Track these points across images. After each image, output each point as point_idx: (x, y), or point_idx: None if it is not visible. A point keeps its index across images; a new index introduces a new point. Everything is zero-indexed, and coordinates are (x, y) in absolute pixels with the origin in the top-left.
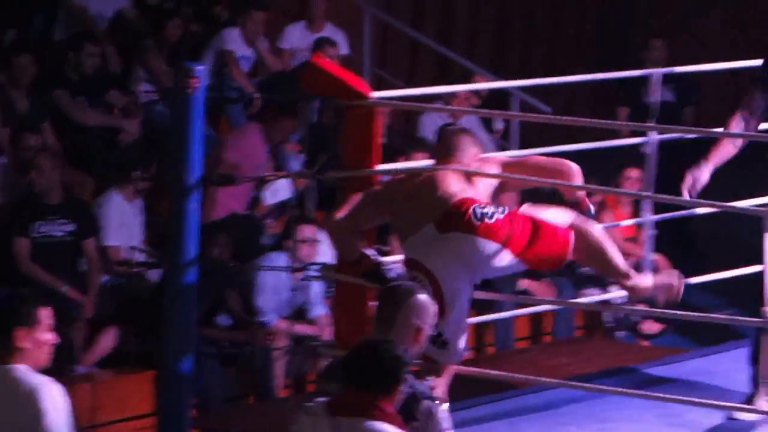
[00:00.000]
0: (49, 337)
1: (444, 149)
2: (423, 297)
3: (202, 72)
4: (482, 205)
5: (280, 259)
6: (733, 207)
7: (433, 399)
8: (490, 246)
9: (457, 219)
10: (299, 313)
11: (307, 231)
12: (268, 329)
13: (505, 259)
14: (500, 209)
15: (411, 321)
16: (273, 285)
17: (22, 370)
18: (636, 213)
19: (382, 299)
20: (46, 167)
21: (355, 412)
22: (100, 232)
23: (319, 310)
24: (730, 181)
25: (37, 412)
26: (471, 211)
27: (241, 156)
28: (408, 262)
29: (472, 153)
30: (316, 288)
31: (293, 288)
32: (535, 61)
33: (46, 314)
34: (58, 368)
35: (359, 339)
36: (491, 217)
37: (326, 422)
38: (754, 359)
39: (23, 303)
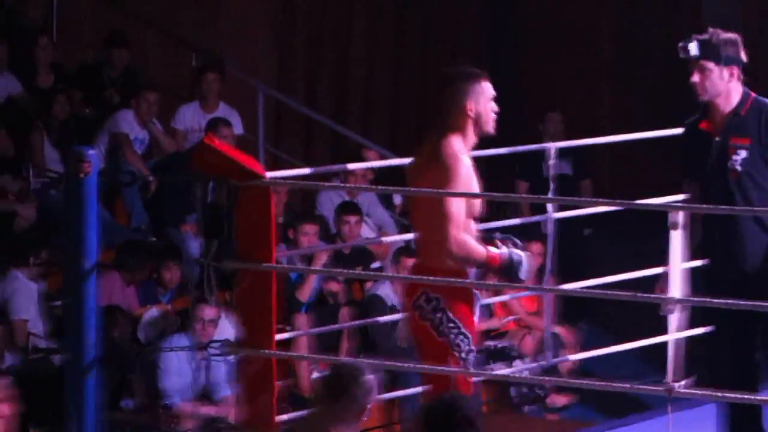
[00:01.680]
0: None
1: None
2: (371, 379)
3: (94, 156)
4: None
5: (182, 340)
6: (638, 204)
7: None
8: None
9: None
10: (204, 395)
11: (207, 311)
12: (172, 412)
13: None
14: None
15: (358, 401)
16: (177, 367)
17: None
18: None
19: (330, 379)
20: None
21: None
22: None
23: (225, 391)
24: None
25: None
26: None
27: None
28: None
29: None
30: (222, 369)
31: (196, 368)
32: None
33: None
34: None
35: (430, 400)
36: None
37: None
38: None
39: None
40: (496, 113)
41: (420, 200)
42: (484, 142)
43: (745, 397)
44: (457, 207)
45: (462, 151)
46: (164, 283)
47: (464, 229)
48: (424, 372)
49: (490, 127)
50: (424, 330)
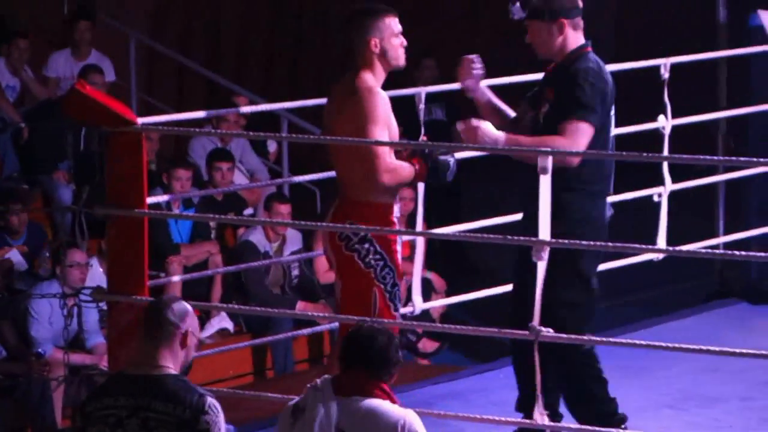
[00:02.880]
0: None
1: None
2: (183, 304)
3: None
4: None
5: (52, 286)
6: (508, 150)
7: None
8: None
9: None
10: (76, 343)
11: (77, 255)
12: (43, 360)
13: None
14: None
15: (177, 328)
16: (47, 314)
17: None
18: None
19: (147, 312)
20: None
21: (358, 392)
22: None
23: (96, 339)
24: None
25: None
26: None
27: None
28: None
29: None
30: (93, 316)
31: (68, 315)
32: (304, 84)
33: None
34: None
35: (354, 327)
36: None
37: (331, 399)
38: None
39: None
40: (405, 47)
41: (339, 137)
42: None
43: (620, 341)
44: (381, 136)
45: (374, 85)
46: (12, 228)
47: (389, 154)
48: (345, 301)
49: (399, 61)
50: (349, 260)
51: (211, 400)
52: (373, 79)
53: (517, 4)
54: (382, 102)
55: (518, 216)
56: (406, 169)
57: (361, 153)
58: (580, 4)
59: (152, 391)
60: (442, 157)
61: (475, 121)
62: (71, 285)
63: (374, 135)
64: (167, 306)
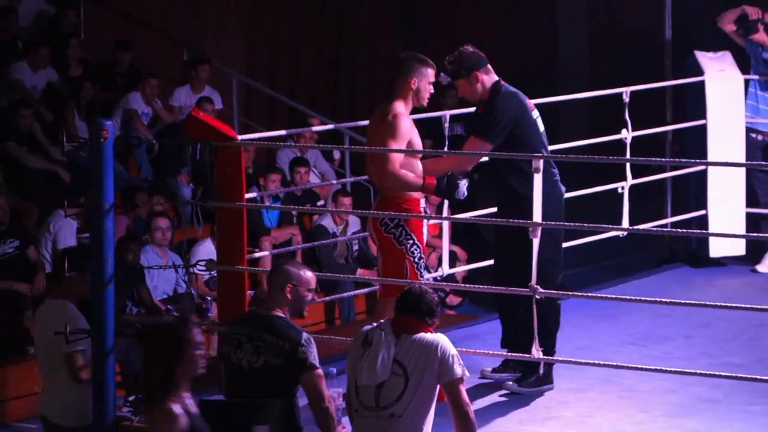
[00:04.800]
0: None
1: None
2: (295, 267)
3: (111, 126)
4: None
5: (146, 251)
6: (505, 155)
7: None
8: None
9: None
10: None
11: (160, 222)
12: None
13: None
14: None
15: (287, 284)
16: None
17: None
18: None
19: (270, 271)
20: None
21: (409, 331)
22: (37, 242)
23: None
24: None
25: None
26: None
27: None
28: None
29: None
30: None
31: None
32: (360, 107)
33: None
34: (15, 349)
35: (407, 287)
36: None
37: (390, 336)
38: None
39: None
40: (430, 93)
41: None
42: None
43: (594, 295)
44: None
45: (403, 113)
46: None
47: (400, 166)
48: (385, 271)
49: (424, 102)
50: (389, 241)
51: (306, 335)
52: (403, 107)
53: (442, 74)
54: (404, 125)
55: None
56: (409, 178)
57: (382, 161)
58: (482, 54)
59: (264, 326)
60: (454, 179)
61: None
62: (158, 243)
63: (391, 148)
64: (282, 267)
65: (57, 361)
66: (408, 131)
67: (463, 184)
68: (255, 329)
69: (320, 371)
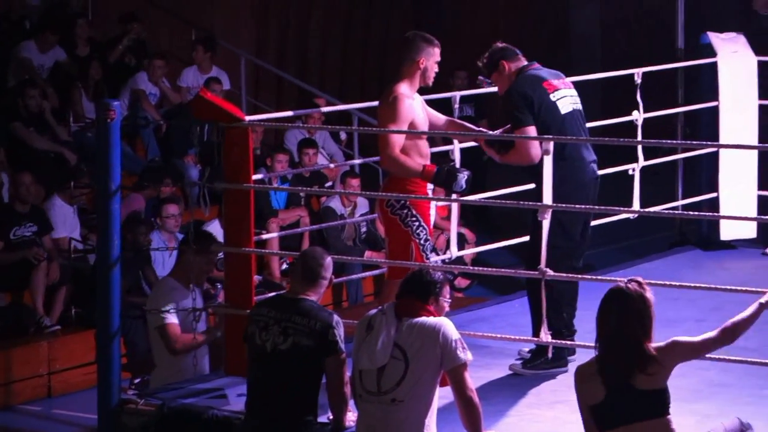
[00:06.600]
0: None
1: None
2: (329, 258)
3: (118, 106)
4: None
5: (155, 235)
6: (518, 137)
7: None
8: None
9: None
10: None
11: (171, 208)
12: None
13: None
14: None
15: (321, 274)
16: (160, 259)
17: None
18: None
19: (304, 257)
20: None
21: (410, 314)
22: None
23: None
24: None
25: None
26: None
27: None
28: None
29: None
30: None
31: None
32: (369, 88)
33: None
34: (29, 326)
35: (412, 270)
36: None
37: (392, 320)
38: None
39: None
40: (436, 73)
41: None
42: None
43: (606, 278)
44: (393, 135)
45: (407, 94)
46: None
47: (399, 149)
48: (392, 252)
49: (430, 81)
50: (394, 222)
51: (337, 318)
52: (407, 88)
53: (480, 77)
54: (405, 107)
55: (519, 188)
56: (409, 163)
57: (381, 144)
58: (512, 47)
59: (294, 309)
60: (453, 170)
61: None
62: (168, 230)
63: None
64: (318, 257)
65: (154, 335)
66: (409, 113)
67: (462, 177)
68: (284, 311)
69: (345, 355)
